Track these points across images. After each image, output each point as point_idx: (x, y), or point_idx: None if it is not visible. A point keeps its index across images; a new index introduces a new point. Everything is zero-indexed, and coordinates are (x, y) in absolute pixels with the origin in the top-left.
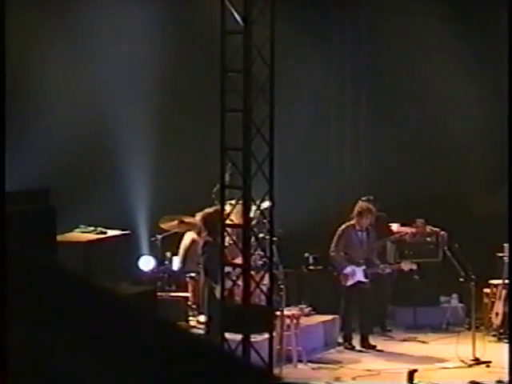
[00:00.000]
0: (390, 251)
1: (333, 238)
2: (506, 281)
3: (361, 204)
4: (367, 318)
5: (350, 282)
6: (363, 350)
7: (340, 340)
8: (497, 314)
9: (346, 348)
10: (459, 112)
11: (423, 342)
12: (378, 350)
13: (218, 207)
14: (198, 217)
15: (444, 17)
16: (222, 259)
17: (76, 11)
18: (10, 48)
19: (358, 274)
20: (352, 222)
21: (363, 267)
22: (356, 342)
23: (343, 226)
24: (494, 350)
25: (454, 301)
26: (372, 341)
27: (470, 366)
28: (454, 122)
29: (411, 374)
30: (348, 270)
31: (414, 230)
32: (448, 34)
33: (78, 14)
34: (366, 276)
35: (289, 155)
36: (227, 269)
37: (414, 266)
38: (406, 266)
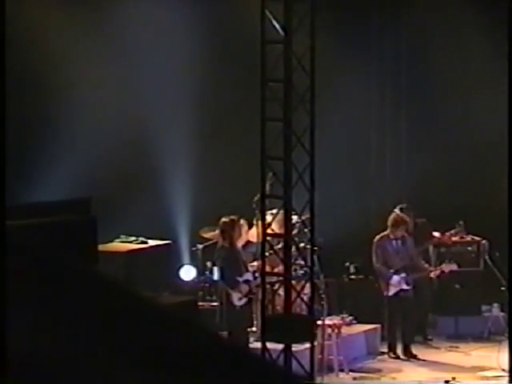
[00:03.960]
0: (431, 258)
1: (371, 248)
2: None
3: (395, 215)
4: (409, 327)
5: (392, 292)
6: (404, 358)
7: (383, 349)
8: None
9: (391, 357)
10: (500, 121)
11: (464, 351)
12: (420, 359)
13: (234, 217)
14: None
15: (486, 26)
16: (263, 268)
17: (113, 15)
18: (47, 53)
19: (401, 283)
20: (386, 233)
21: (403, 275)
22: (398, 351)
23: (377, 237)
24: None
25: (496, 310)
26: (414, 350)
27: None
28: (494, 130)
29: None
30: (395, 279)
31: (452, 231)
32: (490, 43)
33: (115, 18)
34: (407, 283)
35: (329, 164)
36: (247, 277)
37: (455, 266)
38: (447, 267)
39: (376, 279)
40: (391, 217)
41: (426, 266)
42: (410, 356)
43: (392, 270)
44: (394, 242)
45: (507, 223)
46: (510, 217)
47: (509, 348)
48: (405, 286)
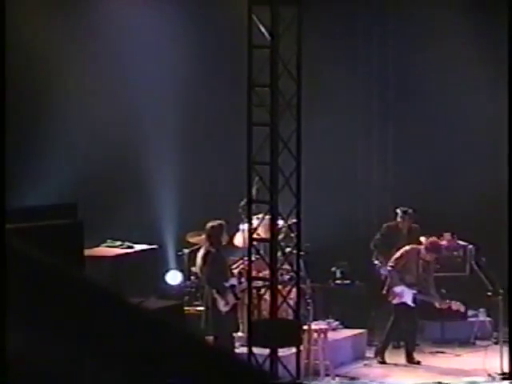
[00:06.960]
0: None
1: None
2: None
3: (435, 239)
4: (414, 335)
5: (396, 301)
6: (391, 363)
7: (369, 354)
8: None
9: (379, 362)
10: (488, 126)
11: (451, 356)
12: (424, 365)
13: (222, 221)
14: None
15: (473, 32)
16: (249, 273)
17: (102, 21)
18: (33, 56)
19: (406, 296)
20: (419, 247)
21: (414, 291)
22: (401, 357)
23: (409, 247)
24: None
25: (482, 315)
26: (400, 355)
27: (499, 380)
28: (481, 135)
29: None
30: (397, 289)
31: (445, 242)
32: (477, 49)
33: (103, 21)
34: (414, 301)
35: (315, 169)
36: (232, 282)
37: (463, 309)
38: (456, 305)
39: (381, 283)
40: (431, 240)
41: (437, 296)
42: (413, 362)
43: (403, 284)
44: (421, 261)
45: (497, 228)
46: (510, 220)
47: (509, 350)
48: (410, 302)
